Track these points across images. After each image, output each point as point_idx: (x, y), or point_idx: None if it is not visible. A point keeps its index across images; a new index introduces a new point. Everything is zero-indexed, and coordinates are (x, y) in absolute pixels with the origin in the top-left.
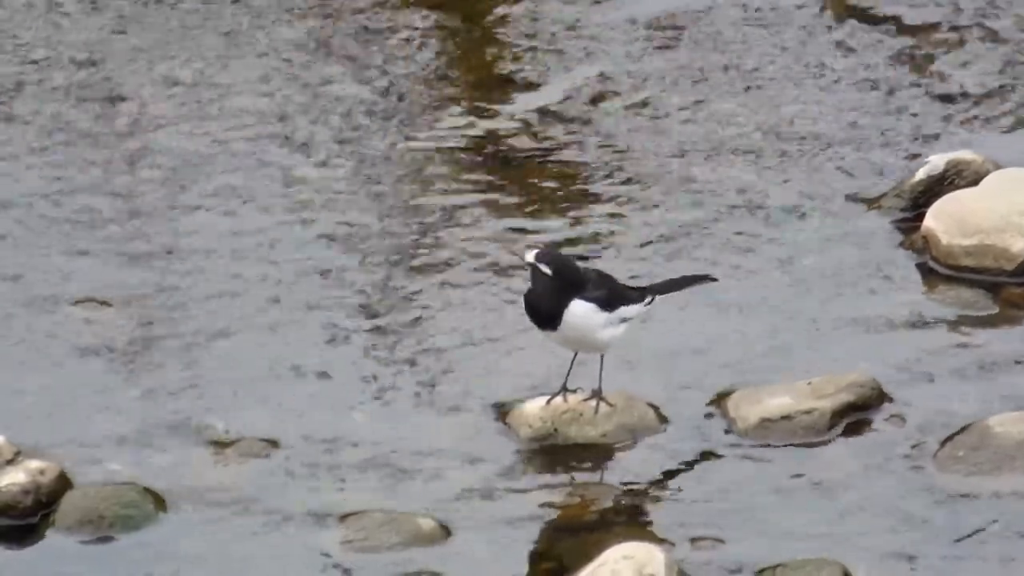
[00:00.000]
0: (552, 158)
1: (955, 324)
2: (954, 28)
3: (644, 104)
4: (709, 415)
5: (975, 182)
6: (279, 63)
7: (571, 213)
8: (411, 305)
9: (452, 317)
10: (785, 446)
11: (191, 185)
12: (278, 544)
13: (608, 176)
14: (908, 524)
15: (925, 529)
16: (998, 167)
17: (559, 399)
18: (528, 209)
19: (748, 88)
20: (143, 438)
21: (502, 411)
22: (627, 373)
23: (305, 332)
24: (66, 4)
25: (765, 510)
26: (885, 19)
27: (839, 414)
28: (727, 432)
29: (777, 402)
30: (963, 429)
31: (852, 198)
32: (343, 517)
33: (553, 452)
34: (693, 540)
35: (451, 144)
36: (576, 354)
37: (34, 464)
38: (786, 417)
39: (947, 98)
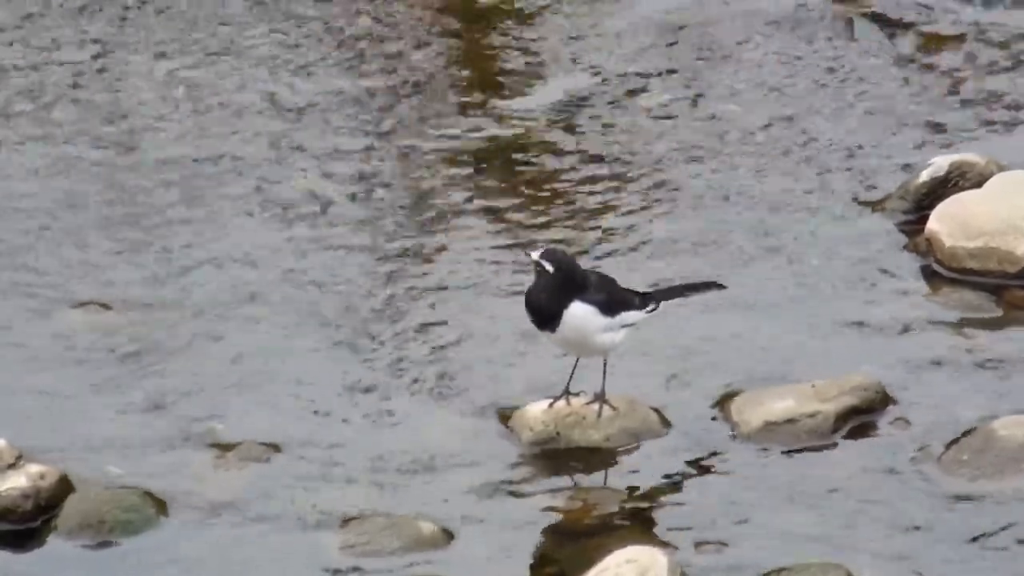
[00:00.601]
0: (556, 161)
1: (959, 327)
2: (958, 30)
3: (647, 106)
4: (712, 418)
5: (979, 184)
6: (282, 67)
7: (575, 216)
8: (412, 308)
9: (453, 320)
10: (789, 450)
11: (192, 190)
12: (279, 548)
13: (610, 179)
14: (912, 528)
15: (930, 533)
16: (1002, 169)
17: (562, 402)
18: (531, 212)
19: (752, 90)
20: (144, 442)
21: (504, 414)
22: (630, 376)
23: (307, 336)
24: (67, 3)
25: (769, 514)
26: (890, 21)
27: (843, 417)
28: (730, 435)
29: (781, 405)
30: (967, 432)
31: (856, 200)
32: (344, 521)
33: (556, 456)
34: (697, 544)
35: (454, 146)
36: (578, 358)
37: (35, 468)
38: (790, 420)
39: (951, 99)
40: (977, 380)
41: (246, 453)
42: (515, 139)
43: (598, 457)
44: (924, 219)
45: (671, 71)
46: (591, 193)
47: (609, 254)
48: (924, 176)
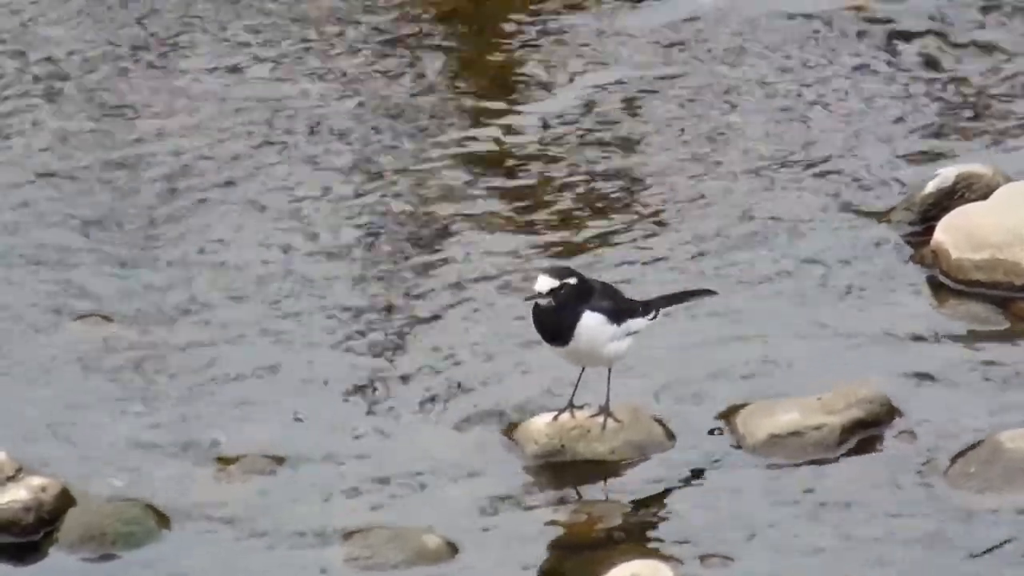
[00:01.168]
0: (560, 169)
1: (965, 339)
2: (965, 40)
3: (651, 115)
4: (718, 431)
5: (985, 195)
6: (285, 71)
7: (578, 224)
8: (417, 319)
9: (458, 331)
10: (794, 463)
11: (193, 199)
12: (282, 562)
13: (616, 187)
14: (919, 541)
15: (936, 546)
16: (1009, 180)
17: (566, 415)
18: (534, 220)
19: (757, 101)
20: (146, 454)
21: (509, 427)
22: (635, 388)
23: (311, 347)
24: (66, 6)
25: (774, 527)
26: (896, 32)
27: (849, 430)
28: (736, 448)
29: (786, 418)
30: (974, 445)
31: (861, 211)
32: (348, 534)
33: (560, 468)
34: (702, 558)
35: (459, 154)
36: (583, 369)
37: (36, 481)
38: (795, 433)
39: (958, 110)
40: (983, 392)
41: (249, 466)
42: (523, 148)
43: (603, 470)
44: (930, 231)
45: (676, 79)
46: (597, 203)
47: (610, 263)
48: (930, 187)
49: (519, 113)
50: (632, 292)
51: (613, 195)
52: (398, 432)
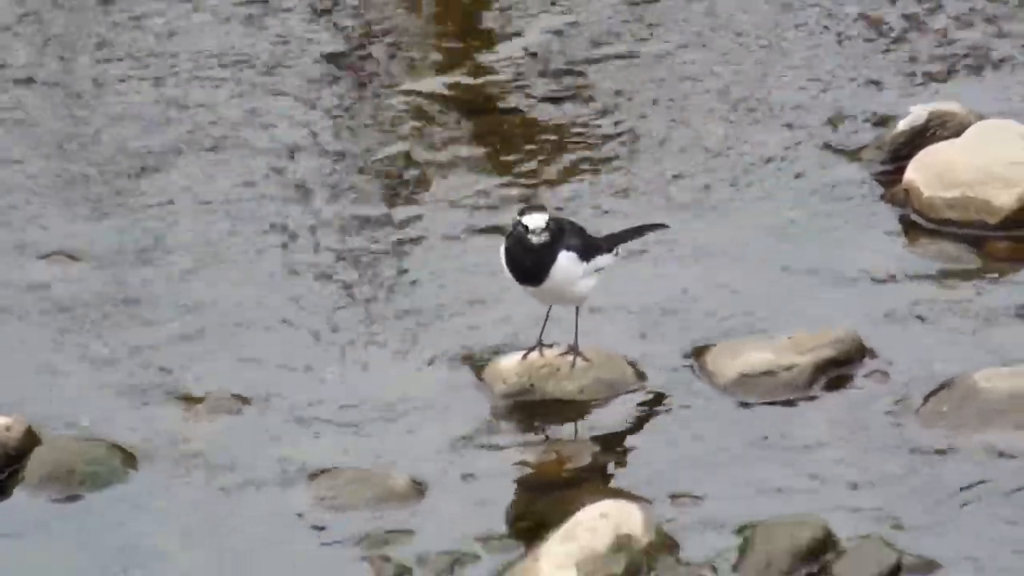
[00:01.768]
0: (531, 111)
1: (938, 278)
2: None
3: (623, 57)
4: (688, 370)
5: (958, 134)
6: (251, 20)
7: (547, 165)
8: (385, 261)
9: (426, 273)
10: (765, 402)
11: (164, 140)
12: (248, 502)
13: (588, 129)
14: (891, 481)
15: (908, 486)
16: (981, 118)
17: (535, 354)
18: (501, 160)
19: (727, 41)
20: (112, 394)
21: (477, 366)
22: (604, 328)
23: (279, 288)
24: None
25: (745, 467)
26: None
27: (820, 369)
28: (706, 387)
29: (757, 357)
30: (947, 384)
31: (833, 150)
32: (314, 475)
33: (529, 408)
34: (672, 497)
35: (429, 98)
36: (551, 308)
37: (1, 420)
38: (766, 372)
39: (930, 49)
40: (955, 332)
41: (216, 405)
42: (491, 92)
43: (572, 409)
44: (902, 169)
45: (646, 22)
46: (568, 144)
47: (580, 203)
48: (902, 126)
49: (486, 55)
50: (591, 231)
51: (579, 137)
52: (366, 372)
